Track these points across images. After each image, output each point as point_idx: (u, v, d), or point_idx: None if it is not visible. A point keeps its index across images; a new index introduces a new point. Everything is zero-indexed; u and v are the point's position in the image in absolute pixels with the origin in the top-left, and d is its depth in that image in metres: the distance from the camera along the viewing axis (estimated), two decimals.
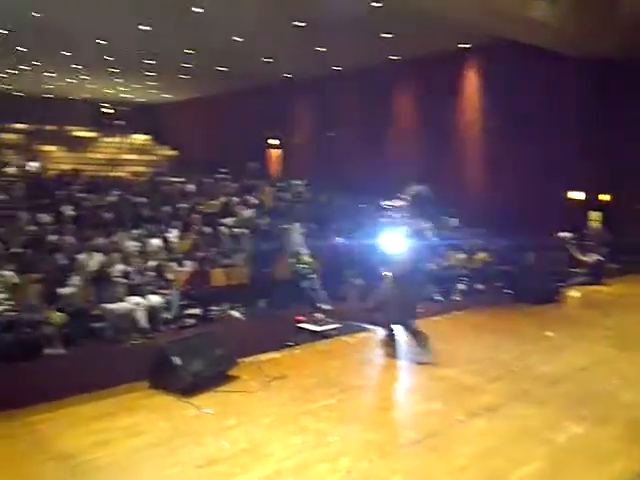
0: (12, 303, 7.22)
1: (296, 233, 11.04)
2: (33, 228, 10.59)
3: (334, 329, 6.05)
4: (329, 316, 6.59)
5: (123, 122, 27.04)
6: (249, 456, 3.45)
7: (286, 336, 5.83)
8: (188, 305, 8.67)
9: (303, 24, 13.32)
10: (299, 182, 18.10)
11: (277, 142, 21.36)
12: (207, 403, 4.15)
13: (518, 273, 9.85)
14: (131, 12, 12.78)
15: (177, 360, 4.21)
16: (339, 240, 11.04)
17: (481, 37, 13.34)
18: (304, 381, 4.68)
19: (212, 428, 3.81)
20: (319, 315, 6.51)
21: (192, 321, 8.52)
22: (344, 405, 4.33)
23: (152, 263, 9.04)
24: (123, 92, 24.06)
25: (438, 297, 10.46)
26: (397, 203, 5.65)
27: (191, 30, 14.20)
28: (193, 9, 12.48)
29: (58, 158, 22.90)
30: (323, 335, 5.97)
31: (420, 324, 5.52)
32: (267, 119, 20.62)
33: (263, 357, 5.14)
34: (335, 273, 10.25)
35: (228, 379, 4.63)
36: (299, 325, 6.17)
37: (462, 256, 11.45)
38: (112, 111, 27.06)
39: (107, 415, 4.01)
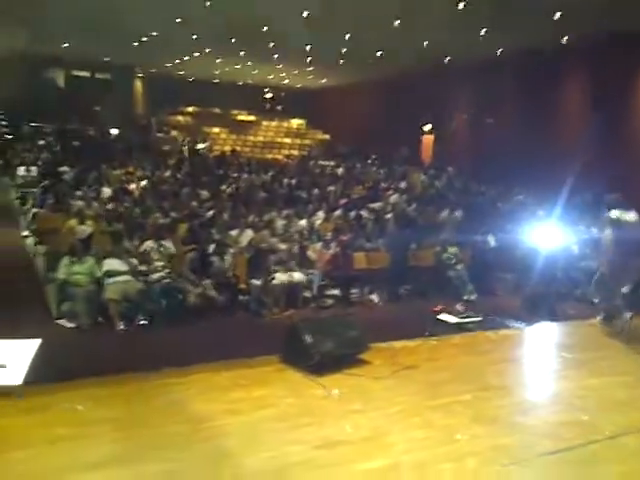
0: (168, 271, 7.77)
1: (448, 222, 10.72)
2: (193, 204, 11.30)
3: (475, 323, 5.75)
4: (473, 309, 6.30)
5: (282, 107, 28.04)
6: (369, 444, 3.37)
7: (423, 325, 5.64)
8: (328, 286, 8.77)
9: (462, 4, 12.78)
10: (450, 170, 17.56)
11: (430, 129, 20.88)
12: (334, 384, 4.13)
13: None
14: None
15: (308, 338, 4.24)
16: (490, 231, 10.49)
17: None
18: (437, 374, 4.48)
19: (336, 410, 3.79)
20: (460, 307, 6.25)
21: (331, 302, 8.61)
22: (477, 403, 4.08)
23: (297, 242, 9.27)
24: (283, 77, 24.90)
25: None
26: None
27: (350, 14, 14.25)
28: None
29: (221, 140, 24.34)
30: (462, 328, 5.71)
31: None
32: (421, 105, 20.19)
33: (397, 344, 5.01)
34: (484, 266, 9.80)
35: (358, 362, 4.58)
36: (437, 316, 5.95)
37: None
38: (272, 96, 28.14)
39: (239, 386, 4.14)
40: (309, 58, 20.39)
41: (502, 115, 17.36)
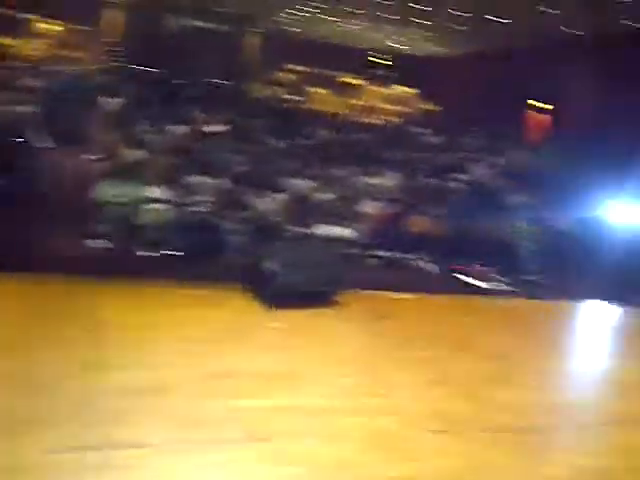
0: (210, 206, 7.59)
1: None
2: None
3: (500, 291, 5.04)
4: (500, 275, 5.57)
5: (392, 72, 27.17)
6: (274, 382, 2.91)
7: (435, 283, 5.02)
8: (376, 245, 8.21)
9: None
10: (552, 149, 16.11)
11: (541, 105, 19.36)
12: (290, 318, 3.70)
13: None
14: None
15: (275, 267, 3.82)
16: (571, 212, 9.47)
17: None
18: (414, 329, 3.91)
19: (264, 343, 3.39)
20: (485, 270, 5.51)
21: (376, 262, 8.06)
22: (433, 365, 3.48)
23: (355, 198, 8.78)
24: (395, 42, 24.02)
25: None
26: None
27: None
28: None
29: (324, 101, 23.97)
30: (477, 291, 5.02)
31: None
32: (537, 81, 18.68)
33: (395, 295, 4.48)
34: (558, 247, 8.84)
35: (334, 304, 4.11)
36: (454, 275, 5.28)
37: None
38: (383, 61, 27.31)
39: (179, 305, 3.87)
40: (424, 21, 19.45)
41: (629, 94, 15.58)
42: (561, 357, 4.16)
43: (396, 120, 21.46)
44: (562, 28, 16.77)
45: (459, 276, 5.20)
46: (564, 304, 5.38)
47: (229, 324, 3.68)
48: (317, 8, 19.39)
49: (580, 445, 2.86)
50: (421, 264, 8.04)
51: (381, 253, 8.16)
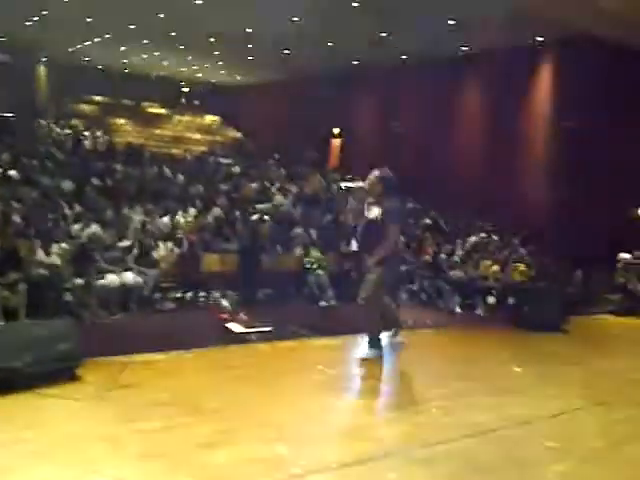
0: None
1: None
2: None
3: (260, 333, 5.23)
4: (270, 317, 5.78)
5: (197, 102, 27.18)
6: None
7: (205, 334, 5.08)
8: (171, 288, 8.14)
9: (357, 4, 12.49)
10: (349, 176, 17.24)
11: (339, 132, 20.60)
12: (10, 405, 3.47)
13: (531, 293, 8.55)
14: None
15: None
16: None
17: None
18: (156, 395, 3.86)
19: None
20: (244, 315, 5.72)
21: (172, 305, 7.99)
22: (164, 433, 3.39)
23: (145, 240, 8.57)
24: (197, 72, 24.09)
25: (457, 309, 9.44)
26: (358, 184, 5.18)
27: (246, 8, 13.70)
28: None
29: (127, 132, 23.26)
30: (245, 339, 5.18)
31: None
32: (333, 107, 19.86)
33: (140, 358, 4.38)
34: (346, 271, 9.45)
35: (72, 380, 3.92)
36: (225, 324, 5.41)
37: (495, 267, 10.22)
38: (188, 90, 27.23)
39: None
40: (217, 52, 19.79)
41: (409, 120, 17.19)
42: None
43: (200, 149, 21.40)
44: (349, 59, 18.13)
45: (227, 325, 5.28)
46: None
47: None
48: (112, 38, 18.85)
49: None
50: (222, 302, 8.09)
51: (176, 295, 8.12)
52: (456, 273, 10.05)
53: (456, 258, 10.60)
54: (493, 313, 9.46)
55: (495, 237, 12.16)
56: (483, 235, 12.16)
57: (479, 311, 9.50)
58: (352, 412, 4.18)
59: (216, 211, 11.12)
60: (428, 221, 13.71)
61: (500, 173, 13.95)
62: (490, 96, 15.13)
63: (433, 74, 16.05)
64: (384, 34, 14.76)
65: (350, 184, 5.52)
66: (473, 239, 11.79)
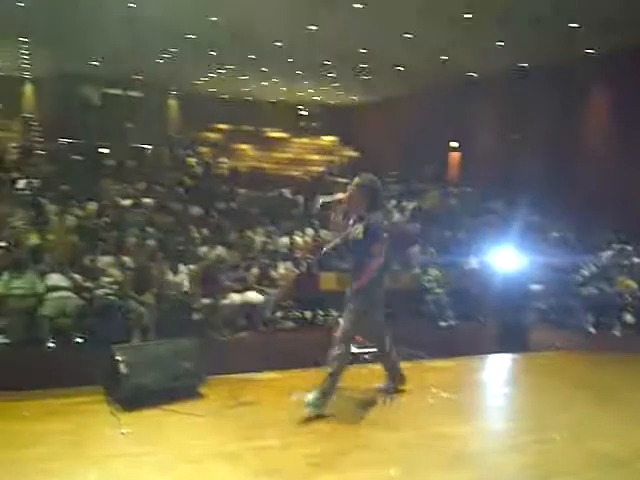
0: (116, 288, 7.52)
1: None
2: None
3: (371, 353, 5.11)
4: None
5: (315, 124, 27.86)
6: None
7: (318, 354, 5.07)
8: (290, 307, 8.33)
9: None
10: (469, 189, 16.81)
11: (458, 146, 20.17)
12: (138, 421, 3.67)
13: None
14: (292, 10, 12.82)
15: (124, 368, 3.83)
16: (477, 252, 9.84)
17: None
18: (274, 413, 3.91)
19: (112, 451, 3.31)
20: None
21: (292, 324, 8.18)
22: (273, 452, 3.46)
23: (266, 260, 8.88)
24: (313, 94, 24.73)
25: (591, 329, 8.81)
26: (338, 196, 4.55)
27: (358, 27, 13.91)
28: (354, 5, 12.16)
29: (249, 157, 24.34)
30: (358, 359, 5.13)
31: None
32: (450, 121, 19.54)
33: (260, 376, 4.46)
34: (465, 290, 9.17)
35: (195, 396, 4.08)
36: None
37: (631, 282, 9.46)
38: (306, 113, 28.01)
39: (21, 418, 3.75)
40: (332, 74, 20.20)
41: (529, 132, 16.47)
42: None
43: (319, 170, 21.87)
44: (464, 72, 17.78)
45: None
46: None
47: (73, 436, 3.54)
48: (234, 69, 19.93)
49: None
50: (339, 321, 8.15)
51: (296, 313, 8.30)
52: (588, 289, 9.42)
53: (586, 272, 9.93)
54: (631, 332, 8.74)
55: (629, 247, 11.25)
56: (617, 246, 11.31)
57: (616, 331, 8.82)
58: (468, 438, 4.01)
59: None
60: (555, 234, 13.00)
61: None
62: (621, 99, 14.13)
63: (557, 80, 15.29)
64: (499, 43, 14.32)
65: (327, 198, 4.77)
66: (609, 253, 11.00)
